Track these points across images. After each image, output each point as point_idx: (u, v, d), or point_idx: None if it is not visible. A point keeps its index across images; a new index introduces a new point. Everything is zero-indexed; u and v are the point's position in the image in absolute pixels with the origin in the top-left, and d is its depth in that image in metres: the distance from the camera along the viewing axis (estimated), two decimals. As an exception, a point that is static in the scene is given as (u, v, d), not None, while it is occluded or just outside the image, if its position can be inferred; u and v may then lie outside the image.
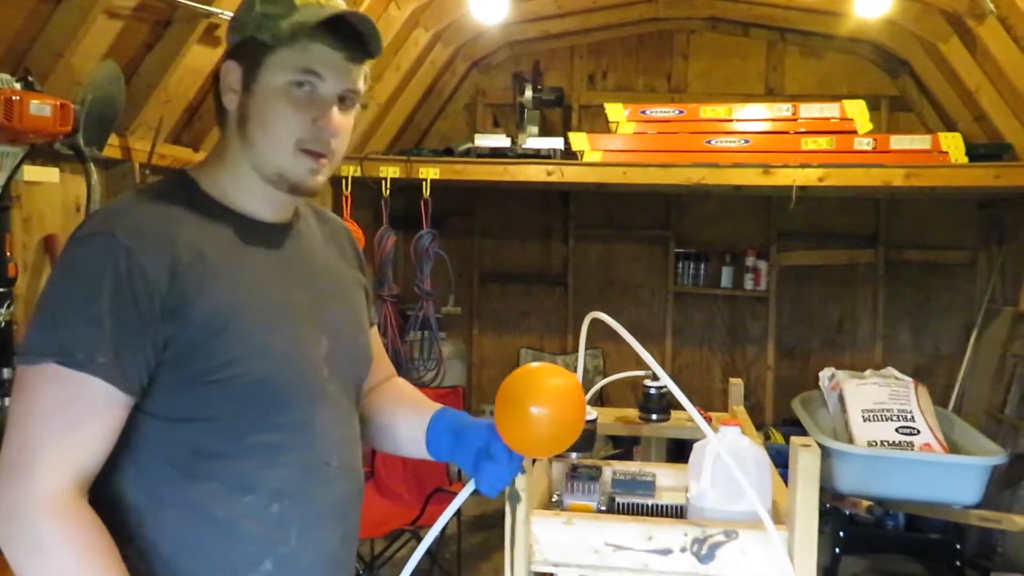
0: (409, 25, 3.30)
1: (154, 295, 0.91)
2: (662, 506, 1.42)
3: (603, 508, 1.39)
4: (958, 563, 3.22)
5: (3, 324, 1.86)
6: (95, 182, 2.07)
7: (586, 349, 1.28)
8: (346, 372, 1.09)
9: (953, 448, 3.13)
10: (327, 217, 1.21)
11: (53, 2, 1.89)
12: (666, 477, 1.50)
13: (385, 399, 1.23)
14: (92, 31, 1.96)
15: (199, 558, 0.97)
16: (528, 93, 3.87)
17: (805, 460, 1.16)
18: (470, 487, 1.11)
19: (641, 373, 2.26)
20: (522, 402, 1.01)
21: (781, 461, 1.26)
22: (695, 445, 1.32)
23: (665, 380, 1.13)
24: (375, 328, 1.24)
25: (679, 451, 2.77)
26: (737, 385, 2.27)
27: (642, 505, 1.42)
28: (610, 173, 3.51)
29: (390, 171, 3.45)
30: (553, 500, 1.43)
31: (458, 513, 1.50)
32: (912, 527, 3.58)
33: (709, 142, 3.51)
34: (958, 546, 3.22)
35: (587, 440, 1.60)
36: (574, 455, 1.59)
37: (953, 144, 3.40)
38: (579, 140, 3.56)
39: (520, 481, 1.24)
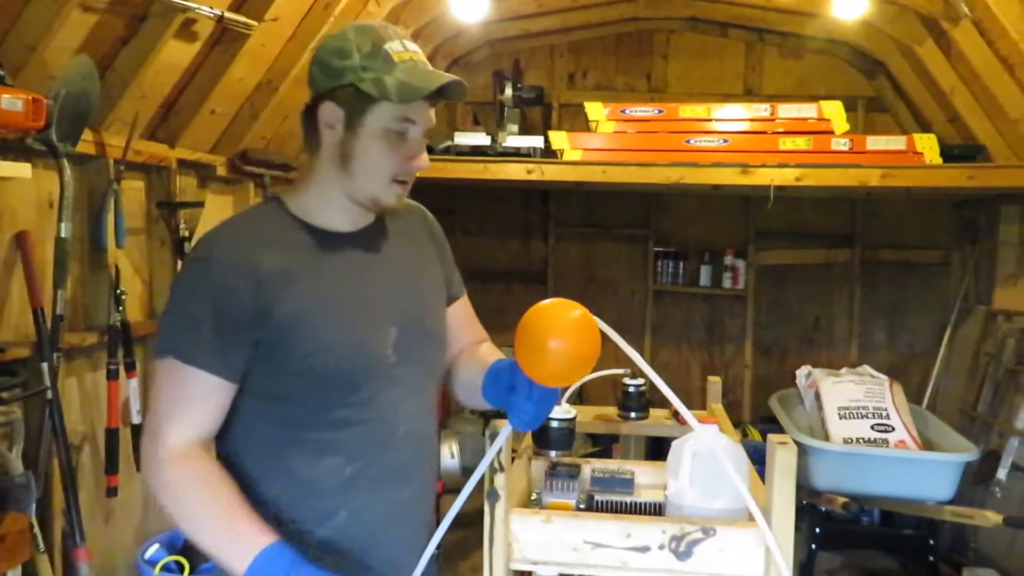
0: (389, 22, 3.28)
1: (242, 307, 1.14)
2: (641, 504, 1.42)
3: (582, 506, 1.39)
4: (932, 558, 3.26)
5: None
6: (68, 178, 2.04)
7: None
8: (415, 354, 1.26)
9: (927, 445, 3.17)
10: (401, 210, 1.32)
11: (25, -5, 1.86)
12: (645, 475, 1.51)
13: (466, 357, 1.39)
14: (66, 25, 1.93)
15: (291, 508, 1.20)
16: (508, 91, 3.86)
17: (782, 457, 1.16)
18: (507, 428, 1.20)
19: (620, 371, 2.26)
20: (540, 336, 1.10)
21: (758, 458, 1.27)
22: (673, 443, 1.32)
23: (646, 370, 1.14)
24: (463, 298, 1.45)
25: (657, 449, 2.79)
26: (715, 383, 2.28)
27: (621, 503, 1.42)
28: (590, 172, 3.51)
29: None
30: (532, 498, 1.43)
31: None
32: (887, 523, 3.62)
33: (688, 142, 3.52)
34: (932, 541, 3.26)
35: (566, 438, 1.60)
36: (553, 453, 1.59)
37: (928, 145, 3.44)
38: (559, 139, 3.56)
39: (499, 479, 1.24)
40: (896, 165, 3.39)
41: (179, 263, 2.67)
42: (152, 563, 2.24)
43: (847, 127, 3.58)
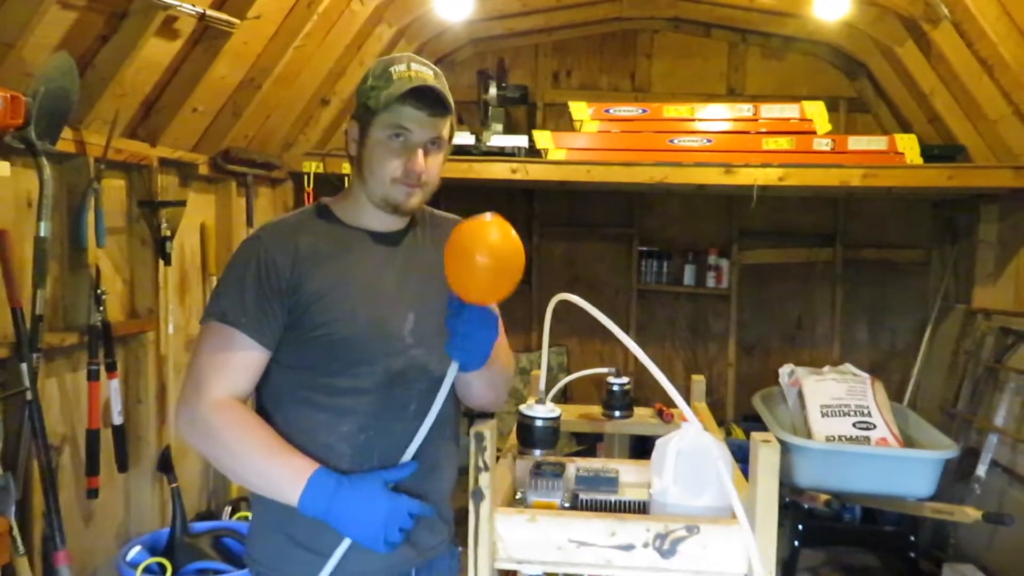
0: (372, 21, 3.27)
1: (281, 277, 1.33)
2: (625, 502, 1.43)
3: (567, 505, 1.39)
4: (913, 555, 3.29)
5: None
6: (48, 176, 2.02)
7: (550, 346, 1.29)
8: (431, 341, 1.37)
9: (908, 442, 3.20)
10: (439, 221, 1.52)
11: (3, -9, 1.84)
12: (629, 473, 1.51)
13: None
14: (45, 22, 1.90)
15: None
16: (492, 91, 3.86)
17: (765, 455, 1.17)
18: (454, 366, 1.29)
19: (604, 370, 2.27)
20: (463, 252, 1.22)
21: (742, 456, 1.27)
22: (657, 441, 1.33)
23: (633, 348, 1.14)
24: None
25: (642, 448, 2.79)
26: (699, 382, 2.29)
27: (605, 501, 1.43)
28: (574, 171, 3.52)
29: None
30: (517, 497, 1.43)
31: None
32: (868, 520, 3.66)
33: (672, 141, 3.54)
34: (912, 538, 3.29)
35: (550, 437, 1.60)
36: (538, 452, 1.59)
37: (908, 145, 3.47)
38: (543, 138, 3.56)
39: (483, 479, 1.24)
40: (877, 165, 3.43)
41: (160, 262, 2.65)
42: (134, 565, 2.21)
43: (829, 127, 3.61)
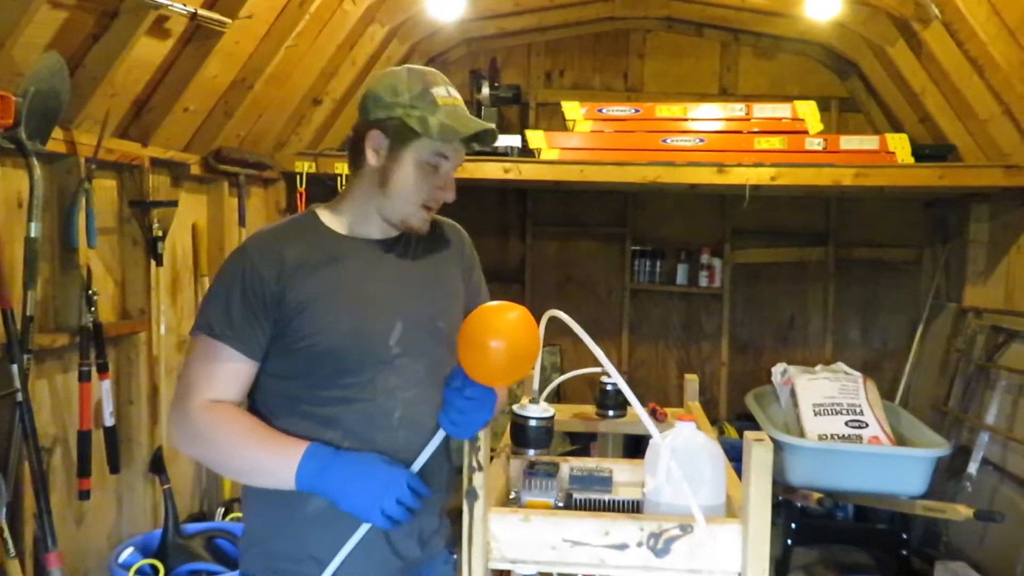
0: (365, 20, 3.26)
1: (266, 289, 1.32)
2: (619, 502, 1.43)
3: (561, 504, 1.39)
4: (904, 552, 3.31)
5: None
6: (38, 177, 2.01)
7: (544, 347, 1.29)
8: (419, 349, 1.39)
9: (900, 440, 3.22)
10: (435, 224, 1.50)
11: (-7, -10, 1.83)
12: (622, 473, 1.51)
13: None
14: (34, 21, 1.89)
15: None
16: (485, 90, 3.86)
17: (758, 454, 1.17)
18: (440, 433, 1.30)
19: (598, 370, 2.26)
20: (479, 336, 1.20)
21: (735, 455, 1.27)
22: (651, 441, 1.33)
23: (616, 378, 1.14)
24: None
25: (635, 447, 2.80)
26: (692, 381, 2.29)
27: (599, 501, 1.43)
28: (567, 171, 3.52)
29: (345, 168, 3.40)
30: (511, 497, 1.43)
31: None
32: (861, 518, 3.67)
33: (665, 141, 3.54)
34: (904, 536, 3.31)
35: (544, 437, 1.60)
36: (531, 452, 1.59)
37: (900, 145, 3.48)
38: (536, 138, 3.56)
39: (477, 479, 1.24)
40: (869, 164, 3.44)
41: (152, 263, 2.64)
42: (126, 567, 2.21)
43: (821, 127, 3.62)
